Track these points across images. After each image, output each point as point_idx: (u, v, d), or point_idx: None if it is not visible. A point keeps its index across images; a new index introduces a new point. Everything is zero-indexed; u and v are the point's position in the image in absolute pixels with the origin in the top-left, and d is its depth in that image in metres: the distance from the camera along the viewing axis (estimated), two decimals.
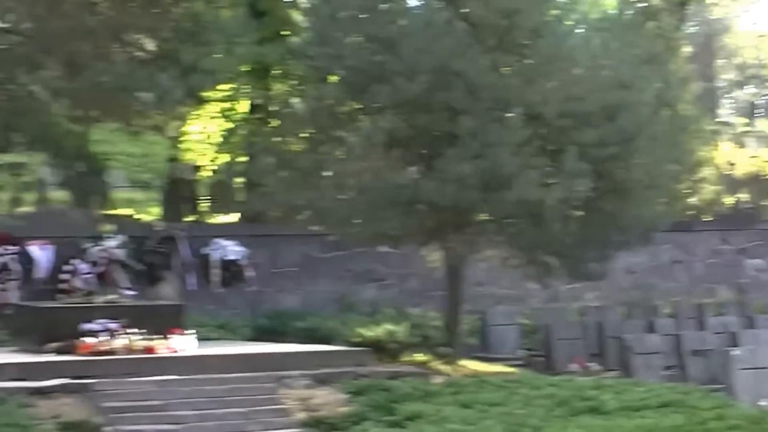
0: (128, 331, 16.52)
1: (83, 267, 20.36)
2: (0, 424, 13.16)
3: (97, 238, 20.75)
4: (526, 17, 17.50)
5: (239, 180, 24.18)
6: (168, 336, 16.66)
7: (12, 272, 19.87)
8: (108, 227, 21.02)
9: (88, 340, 16.24)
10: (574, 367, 20.28)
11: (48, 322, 16.99)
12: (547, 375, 17.97)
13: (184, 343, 16.79)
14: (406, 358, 18.85)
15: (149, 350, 16.34)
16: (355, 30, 17.89)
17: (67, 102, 18.58)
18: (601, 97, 17.45)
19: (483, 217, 18.19)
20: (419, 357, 18.85)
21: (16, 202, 25.26)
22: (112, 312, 17.00)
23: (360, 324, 20.31)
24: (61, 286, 20.19)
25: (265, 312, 21.53)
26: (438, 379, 16.92)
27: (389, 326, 19.66)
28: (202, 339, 19.24)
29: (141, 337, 16.44)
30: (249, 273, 21.76)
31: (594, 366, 20.54)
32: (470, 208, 17.52)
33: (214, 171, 28.27)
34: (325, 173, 17.93)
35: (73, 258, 20.45)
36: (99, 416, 14.20)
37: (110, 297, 18.32)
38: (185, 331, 17.04)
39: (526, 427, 14.15)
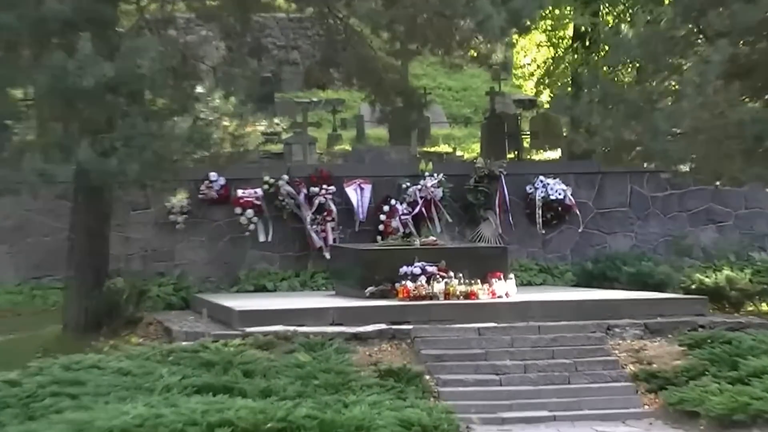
0: (447, 274, 16.57)
1: (400, 207, 20.66)
2: (318, 369, 13.50)
3: (415, 177, 20.99)
4: None
5: (563, 114, 23.78)
6: (489, 280, 16.59)
7: (330, 213, 20.40)
8: (426, 165, 21.19)
9: (406, 284, 16.41)
10: None
11: (365, 265, 17.28)
12: None
13: (505, 288, 16.68)
14: (749, 308, 18.12)
15: (469, 295, 16.34)
16: None
17: (385, 35, 18.76)
18: None
19: None
20: (764, 307, 18.03)
21: (334, 139, 25.97)
22: (430, 255, 17.12)
23: (696, 270, 19.69)
24: (379, 227, 20.58)
25: (591, 255, 21.23)
26: None
27: (730, 272, 18.95)
28: (523, 284, 19.25)
29: (460, 281, 16.45)
30: (576, 212, 21.44)
31: None
32: None
33: (537, 105, 28.05)
34: (657, 107, 17.29)
35: (391, 198, 20.79)
36: (418, 364, 14.32)
37: (429, 239, 18.45)
38: (507, 276, 16.93)
39: None
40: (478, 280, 16.50)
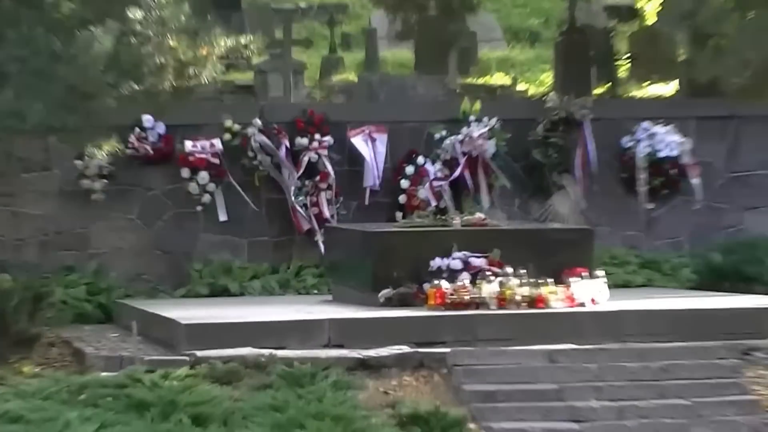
0: (502, 271, 16.68)
1: (432, 169, 20.67)
2: (308, 414, 13.51)
3: (455, 122, 20.99)
4: None
5: (679, 27, 23.73)
6: (565, 280, 16.75)
7: (325, 176, 20.38)
8: (471, 106, 21.15)
9: (440, 284, 16.46)
10: None
11: (379, 256, 17.40)
12: None
13: (590, 292, 16.83)
14: None
15: (536, 302, 16.47)
16: None
17: None
18: None
19: None
20: None
21: (332, 65, 25.95)
22: (477, 240, 17.27)
23: None
24: (400, 198, 20.63)
25: (720, 242, 21.30)
26: None
27: None
28: (618, 285, 19.25)
29: (522, 280, 16.54)
30: (695, 179, 21.41)
31: None
32: None
33: (639, 14, 28.00)
34: None
35: (418, 154, 20.82)
36: (458, 405, 14.42)
37: (475, 216, 18.50)
38: (592, 273, 17.04)
39: None
40: (550, 280, 16.59)
